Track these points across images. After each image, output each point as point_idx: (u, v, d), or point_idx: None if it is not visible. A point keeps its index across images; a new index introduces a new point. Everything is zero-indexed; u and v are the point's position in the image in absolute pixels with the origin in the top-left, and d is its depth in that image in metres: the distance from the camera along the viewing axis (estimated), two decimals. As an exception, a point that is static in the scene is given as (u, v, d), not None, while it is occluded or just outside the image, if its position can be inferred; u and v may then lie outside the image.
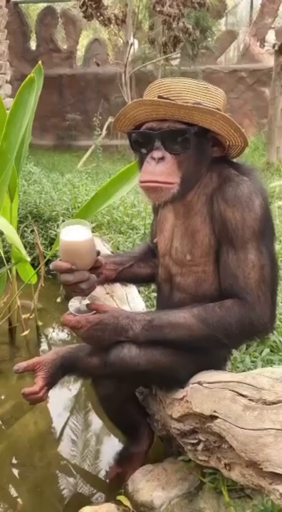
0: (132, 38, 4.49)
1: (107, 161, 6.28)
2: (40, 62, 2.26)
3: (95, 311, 1.19)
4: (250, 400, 0.87)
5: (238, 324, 1.06)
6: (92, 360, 1.25)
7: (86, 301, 1.20)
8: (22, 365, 1.32)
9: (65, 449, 1.66)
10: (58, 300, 2.75)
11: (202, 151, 1.11)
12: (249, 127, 8.72)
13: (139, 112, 1.09)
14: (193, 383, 1.11)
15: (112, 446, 1.63)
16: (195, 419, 1.05)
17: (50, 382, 1.32)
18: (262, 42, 9.71)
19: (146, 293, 2.18)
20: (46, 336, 2.47)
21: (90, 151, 6.46)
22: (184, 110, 1.03)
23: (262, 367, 1.47)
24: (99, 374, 1.26)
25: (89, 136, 8.63)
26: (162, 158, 1.06)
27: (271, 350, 1.60)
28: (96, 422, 1.79)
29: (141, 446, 1.45)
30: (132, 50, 6.46)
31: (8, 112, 1.98)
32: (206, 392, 1.00)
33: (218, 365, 1.28)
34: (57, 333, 2.54)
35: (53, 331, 2.56)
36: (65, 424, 1.79)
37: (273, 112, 6.50)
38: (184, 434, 1.13)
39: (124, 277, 1.44)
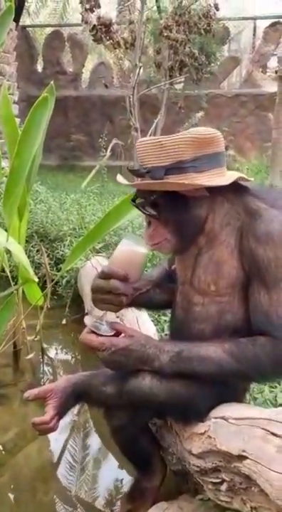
0: (137, 61, 4.54)
1: (111, 181, 6.28)
2: (52, 82, 2.25)
3: (114, 331, 1.14)
4: (284, 440, 0.80)
5: (272, 362, 1.02)
6: (107, 388, 1.19)
7: (106, 319, 1.15)
8: (33, 392, 1.26)
9: (70, 482, 1.57)
10: (64, 322, 2.69)
11: (180, 206, 1.09)
12: (251, 150, 8.79)
13: None
14: (216, 417, 1.04)
15: (122, 479, 1.55)
16: (218, 457, 0.98)
17: (61, 411, 1.26)
18: (264, 68, 9.88)
19: (156, 316, 2.12)
20: (51, 359, 2.39)
21: (94, 171, 6.47)
22: (133, 186, 1.11)
23: (282, 398, 1.41)
24: (113, 404, 1.20)
25: (93, 157, 8.67)
26: (150, 222, 1.12)
27: (290, 381, 1.54)
28: (105, 453, 1.71)
29: (153, 481, 1.37)
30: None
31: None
32: (233, 429, 0.93)
33: (239, 397, 1.22)
34: (62, 357, 2.47)
35: (58, 354, 2.49)
36: (71, 454, 1.71)
37: (277, 136, 6.52)
38: (205, 471, 1.06)
39: (139, 302, 1.40)
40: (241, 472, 0.87)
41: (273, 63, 9.91)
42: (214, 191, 1.09)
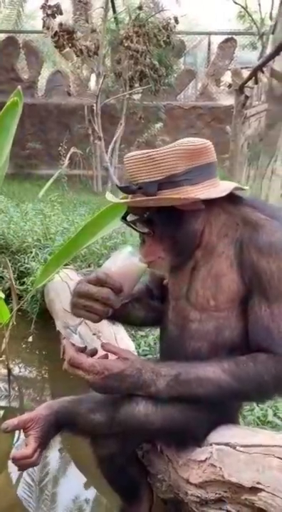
0: (101, 69, 4.49)
1: (70, 190, 6.15)
2: (19, 87, 2.14)
3: (85, 346, 1.06)
4: (305, 470, 0.75)
5: (275, 380, 0.97)
6: (96, 416, 1.09)
7: (79, 330, 1.08)
8: (12, 422, 1.14)
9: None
10: (30, 339, 2.54)
11: (176, 221, 1.04)
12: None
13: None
14: (219, 443, 0.98)
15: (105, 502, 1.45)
16: (224, 488, 0.91)
17: (44, 443, 1.15)
18: (218, 82, 10.17)
19: (132, 332, 2.04)
20: (18, 380, 2.24)
21: (52, 179, 6.31)
22: (126, 204, 1.05)
23: (272, 415, 1.37)
24: (103, 432, 1.10)
25: (50, 165, 8.50)
26: (144, 240, 1.08)
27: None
28: (82, 487, 1.59)
29: (140, 510, 1.29)
30: (94, 84, 6.49)
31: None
32: (243, 458, 0.87)
33: (234, 417, 1.17)
34: (30, 376, 2.32)
35: (25, 374, 2.34)
36: (44, 490, 1.57)
37: (234, 148, 6.71)
38: (205, 502, 0.99)
39: (114, 316, 1.31)
40: (255, 505, 0.81)
41: (226, 77, 10.23)
42: (210, 203, 1.04)
